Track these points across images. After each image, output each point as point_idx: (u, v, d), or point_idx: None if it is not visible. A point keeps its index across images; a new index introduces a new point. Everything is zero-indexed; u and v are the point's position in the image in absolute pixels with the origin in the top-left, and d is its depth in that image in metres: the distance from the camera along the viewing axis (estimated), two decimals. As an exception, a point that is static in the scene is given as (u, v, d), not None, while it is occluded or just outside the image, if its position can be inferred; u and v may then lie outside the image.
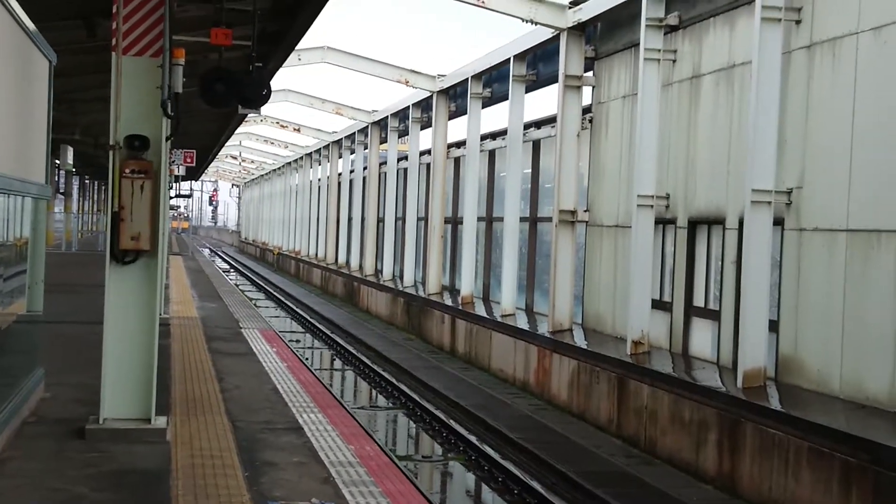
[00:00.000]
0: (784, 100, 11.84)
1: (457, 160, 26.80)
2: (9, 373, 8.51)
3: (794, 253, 11.78)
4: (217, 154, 43.90)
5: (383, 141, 32.10)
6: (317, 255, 42.53)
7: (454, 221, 26.60)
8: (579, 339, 16.16)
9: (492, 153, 24.27)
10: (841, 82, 11.16)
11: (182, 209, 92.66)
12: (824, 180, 11.37)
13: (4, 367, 8.31)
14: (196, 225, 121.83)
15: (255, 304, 26.48)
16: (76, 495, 6.95)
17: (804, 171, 11.71)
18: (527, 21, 17.02)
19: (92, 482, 7.24)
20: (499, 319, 19.04)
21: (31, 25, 8.59)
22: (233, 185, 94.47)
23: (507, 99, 20.01)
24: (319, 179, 43.35)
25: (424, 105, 27.02)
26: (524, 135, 20.29)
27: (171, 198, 40.49)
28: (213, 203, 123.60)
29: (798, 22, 11.81)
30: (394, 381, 17.92)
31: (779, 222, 11.93)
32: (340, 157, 39.46)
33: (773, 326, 11.92)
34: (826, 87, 11.41)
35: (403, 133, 30.07)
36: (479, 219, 23.46)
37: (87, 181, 52.61)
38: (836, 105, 11.22)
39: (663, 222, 14.88)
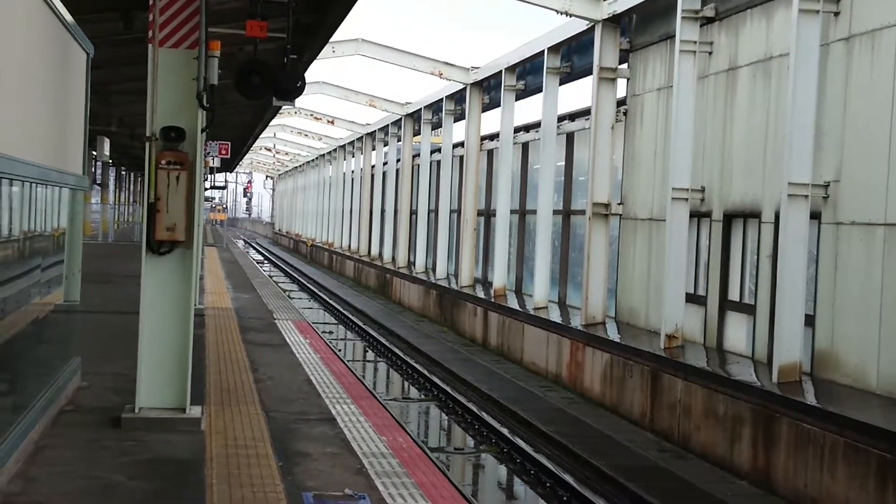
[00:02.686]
0: (822, 92, 11.71)
1: (490, 152, 26.77)
2: (46, 362, 8.61)
3: (831, 247, 11.67)
4: (252, 146, 44.13)
5: (416, 133, 32.12)
6: (350, 247, 42.65)
7: (487, 214, 26.57)
8: (612, 333, 16.10)
9: (525, 146, 24.21)
10: (880, 74, 11.03)
11: (216, 200, 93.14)
12: (862, 174, 11.25)
13: (42, 357, 8.41)
14: (231, 216, 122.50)
15: (288, 296, 26.60)
16: (112, 483, 7.02)
17: (842, 165, 11.59)
18: (561, 13, 16.95)
19: (128, 470, 7.31)
20: (531, 312, 19.01)
21: (69, 17, 8.67)
22: (267, 176, 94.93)
23: (540, 91, 19.95)
24: (353, 171, 43.45)
25: (458, 97, 26.99)
26: (558, 127, 20.22)
27: (205, 189, 40.74)
28: (248, 195, 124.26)
29: (836, 13, 11.68)
30: (426, 372, 17.94)
31: (816, 216, 11.82)
32: (374, 149, 39.52)
33: (809, 321, 11.82)
34: (864, 80, 11.28)
35: (437, 125, 30.06)
36: (513, 211, 23.44)
37: (123, 172, 53.07)
38: (874, 97, 11.09)
39: (698, 215, 14.79)
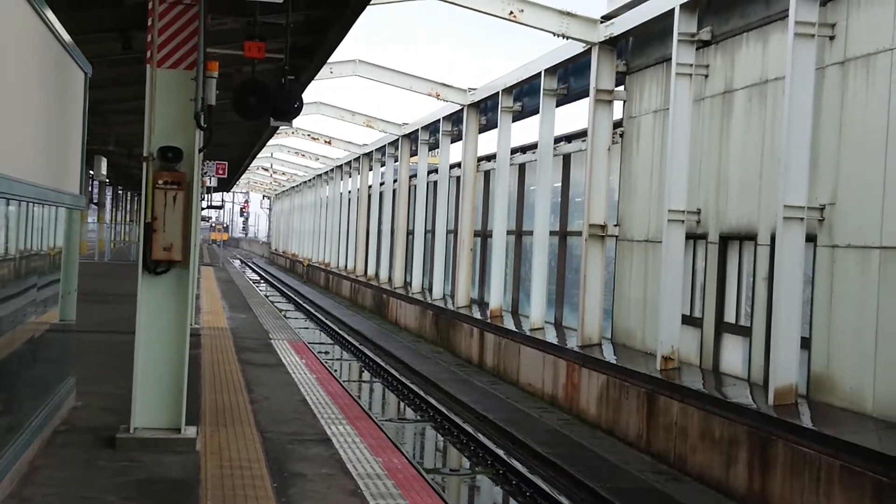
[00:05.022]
0: (817, 115, 11.76)
1: (487, 173, 26.82)
2: (41, 381, 8.58)
3: (827, 269, 11.69)
4: (249, 166, 44.19)
5: (413, 154, 32.18)
6: (346, 266, 42.64)
7: (483, 235, 26.59)
8: (609, 354, 16.09)
9: (522, 167, 24.27)
10: (875, 98, 11.08)
11: (214, 219, 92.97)
12: (858, 197, 11.28)
13: (37, 376, 8.39)
14: (230, 236, 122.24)
15: (284, 316, 26.57)
16: (106, 504, 7.00)
17: (837, 188, 11.63)
18: (558, 35, 17.04)
19: (122, 491, 7.28)
20: (528, 333, 19.00)
21: (67, 38, 8.70)
22: (264, 196, 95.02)
23: (537, 113, 20.01)
24: (350, 192, 43.50)
25: (455, 118, 27.06)
26: (554, 149, 20.27)
27: (202, 209, 40.78)
28: (244, 214, 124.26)
29: (832, 37, 11.75)
30: (422, 393, 17.91)
31: (811, 238, 11.84)
32: (371, 169, 39.59)
33: (805, 343, 11.82)
34: (860, 103, 11.34)
35: (434, 146, 30.12)
36: (509, 232, 23.45)
37: (120, 192, 53.07)
38: (869, 121, 11.14)
39: (694, 237, 14.81)
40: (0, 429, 6.99)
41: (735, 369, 13.78)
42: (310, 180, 56.09)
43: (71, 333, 10.11)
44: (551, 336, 18.83)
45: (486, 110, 24.89)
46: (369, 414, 11.95)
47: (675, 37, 14.32)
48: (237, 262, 69.01)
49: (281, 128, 29.18)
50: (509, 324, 21.08)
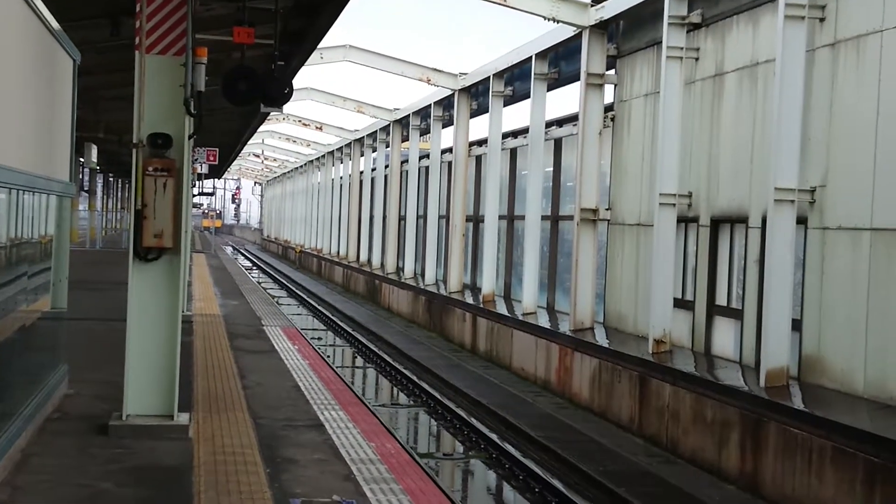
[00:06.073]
0: (807, 98, 11.77)
1: (478, 158, 26.80)
2: (33, 369, 8.58)
3: (818, 252, 11.72)
4: (240, 152, 44.10)
5: (405, 139, 32.15)
6: (338, 253, 42.61)
7: (475, 220, 26.59)
8: (601, 338, 16.12)
9: (513, 151, 24.25)
10: (865, 80, 11.09)
11: (205, 206, 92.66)
12: (848, 179, 11.30)
13: (29, 364, 8.38)
14: (223, 223, 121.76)
15: (277, 302, 26.58)
16: (99, 491, 7.00)
17: (828, 170, 11.64)
18: (549, 19, 17.00)
19: (115, 478, 7.29)
20: (520, 318, 19.02)
21: (55, 24, 8.66)
22: (255, 182, 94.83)
23: (528, 97, 19.99)
24: (341, 178, 43.44)
25: (446, 103, 27.02)
26: (546, 133, 20.26)
27: (193, 196, 40.70)
28: (236, 201, 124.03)
29: (822, 19, 11.74)
30: (415, 378, 17.93)
31: (802, 221, 11.86)
32: (362, 155, 39.53)
33: (797, 325, 11.86)
34: (850, 85, 11.34)
35: (425, 131, 30.09)
36: (501, 217, 23.46)
37: (110, 179, 52.94)
38: (860, 103, 11.15)
39: (685, 221, 14.83)
40: (-8, 417, 6.99)
41: (726, 352, 13.82)
42: (301, 166, 55.99)
43: (62, 321, 10.10)
44: (544, 320, 18.86)
45: (477, 95, 24.85)
46: (362, 399, 11.98)
47: (666, 20, 14.29)
48: (229, 249, 68.93)
49: (271, 114, 29.11)
50: (502, 308, 21.10)
